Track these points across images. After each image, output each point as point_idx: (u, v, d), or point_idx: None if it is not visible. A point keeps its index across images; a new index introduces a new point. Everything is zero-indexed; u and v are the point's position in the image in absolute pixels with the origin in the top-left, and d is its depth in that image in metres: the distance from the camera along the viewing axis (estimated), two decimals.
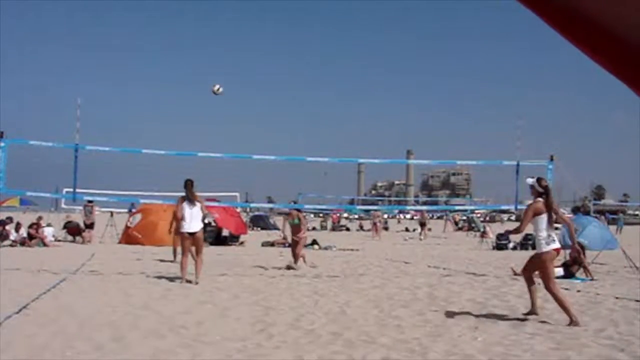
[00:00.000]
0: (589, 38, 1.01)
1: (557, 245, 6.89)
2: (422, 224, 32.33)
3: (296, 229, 13.39)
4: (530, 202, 7.13)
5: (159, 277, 10.82)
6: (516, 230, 7.02)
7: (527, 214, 6.93)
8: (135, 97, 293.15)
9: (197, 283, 9.87)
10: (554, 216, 6.97)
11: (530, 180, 7.19)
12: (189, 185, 10.43)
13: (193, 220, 10.28)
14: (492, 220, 56.19)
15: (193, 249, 10.51)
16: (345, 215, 66.84)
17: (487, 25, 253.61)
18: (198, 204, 10.33)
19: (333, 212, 50.16)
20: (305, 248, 21.82)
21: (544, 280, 6.93)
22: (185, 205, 10.29)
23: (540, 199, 6.93)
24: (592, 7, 0.97)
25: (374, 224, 34.24)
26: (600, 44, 1.01)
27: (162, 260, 14.13)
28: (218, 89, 12.38)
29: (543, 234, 6.81)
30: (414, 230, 42.73)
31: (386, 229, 45.93)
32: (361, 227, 45.05)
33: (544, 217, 6.83)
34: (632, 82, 1.04)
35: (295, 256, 13.13)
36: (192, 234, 10.27)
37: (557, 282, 7.01)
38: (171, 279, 10.41)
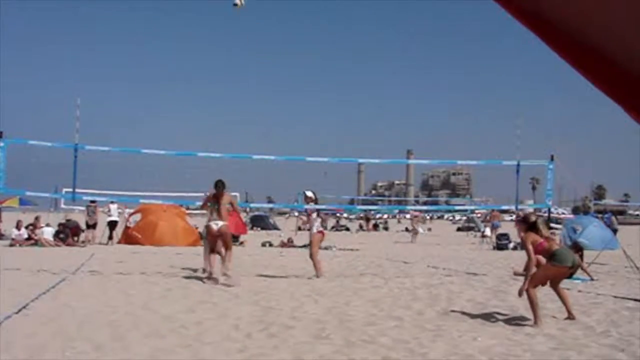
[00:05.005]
0: (590, 64, 1.01)
1: None
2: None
3: None
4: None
5: (159, 277, 10.82)
6: None
7: None
8: (135, 97, 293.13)
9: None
10: None
11: None
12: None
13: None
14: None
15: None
16: (345, 215, 67.03)
17: (488, 25, 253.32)
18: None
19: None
20: (304, 248, 21.76)
21: None
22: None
23: None
24: (595, 35, 0.97)
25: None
26: (601, 70, 1.01)
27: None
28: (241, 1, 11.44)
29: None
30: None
31: (386, 228, 46.03)
32: (361, 227, 45.17)
33: None
34: (630, 107, 1.05)
35: None
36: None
37: None
38: (171, 279, 10.42)
